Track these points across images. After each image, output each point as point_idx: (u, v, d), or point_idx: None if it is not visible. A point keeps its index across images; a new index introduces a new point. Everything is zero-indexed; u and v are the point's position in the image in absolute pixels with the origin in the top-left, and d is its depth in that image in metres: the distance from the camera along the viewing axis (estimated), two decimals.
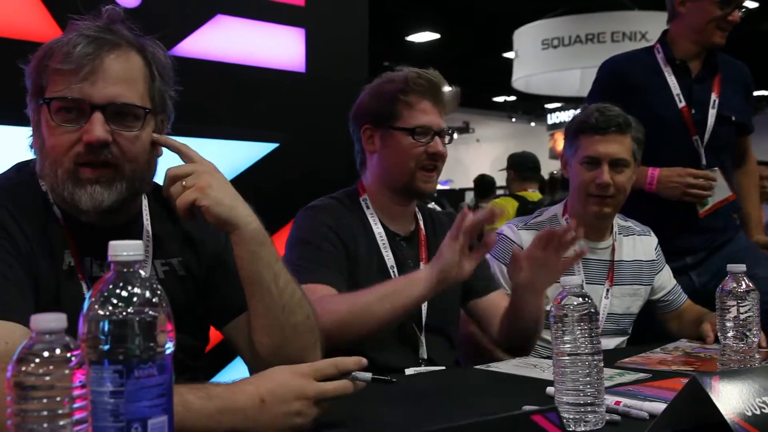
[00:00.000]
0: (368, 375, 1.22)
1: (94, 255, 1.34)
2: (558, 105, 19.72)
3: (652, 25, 10.80)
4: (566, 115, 19.58)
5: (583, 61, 11.42)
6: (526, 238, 2.28)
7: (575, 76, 12.48)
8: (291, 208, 2.76)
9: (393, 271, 1.96)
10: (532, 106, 20.95)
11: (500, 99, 20.46)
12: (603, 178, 2.18)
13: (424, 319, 1.94)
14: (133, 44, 1.35)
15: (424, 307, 1.95)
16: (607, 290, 2.29)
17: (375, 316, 1.72)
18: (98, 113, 1.28)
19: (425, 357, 1.90)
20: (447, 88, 1.99)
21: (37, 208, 1.32)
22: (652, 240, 2.46)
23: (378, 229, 2.00)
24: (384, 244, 1.98)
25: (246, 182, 2.71)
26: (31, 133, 1.39)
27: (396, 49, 14.68)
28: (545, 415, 0.87)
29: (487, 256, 2.33)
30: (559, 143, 20.27)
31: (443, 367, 1.88)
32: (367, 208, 2.03)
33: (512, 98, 19.01)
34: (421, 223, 2.10)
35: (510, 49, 12.38)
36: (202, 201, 1.31)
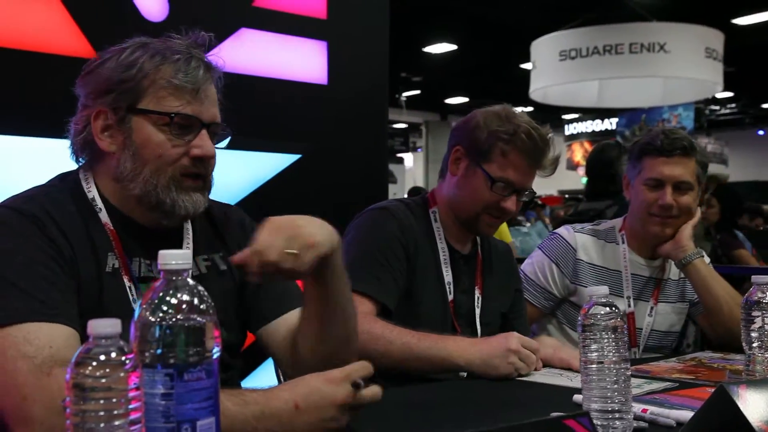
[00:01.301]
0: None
1: (144, 255, 1.39)
2: (575, 116, 19.71)
3: (670, 37, 10.81)
4: (584, 126, 19.56)
5: (600, 73, 11.44)
6: (581, 240, 2.33)
7: (593, 87, 12.49)
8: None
9: (449, 287, 1.99)
10: (549, 117, 20.90)
11: (517, 110, 20.47)
12: (666, 200, 2.19)
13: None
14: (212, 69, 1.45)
15: (478, 324, 2.01)
16: (652, 308, 2.31)
17: (393, 362, 1.74)
18: (205, 131, 1.38)
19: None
20: (551, 154, 1.96)
21: (81, 214, 1.36)
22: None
23: (442, 244, 2.02)
24: (445, 259, 2.00)
25: (269, 193, 2.76)
26: (81, 140, 1.41)
27: (414, 60, 14.76)
28: (578, 419, 0.89)
29: (538, 252, 2.38)
30: (576, 154, 20.21)
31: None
32: (435, 221, 2.04)
33: (529, 109, 19.01)
34: (479, 245, 2.13)
35: (527, 60, 12.40)
36: (321, 250, 1.28)
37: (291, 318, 1.53)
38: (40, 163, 2.12)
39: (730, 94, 17.99)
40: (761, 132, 21.26)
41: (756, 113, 20.17)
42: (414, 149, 23.43)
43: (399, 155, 21.38)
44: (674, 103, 15.08)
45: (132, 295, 1.35)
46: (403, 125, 20.92)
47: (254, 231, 1.57)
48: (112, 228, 1.38)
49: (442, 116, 21.19)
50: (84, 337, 1.14)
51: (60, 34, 2.26)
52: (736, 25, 12.30)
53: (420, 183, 18.62)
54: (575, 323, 2.28)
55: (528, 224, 9.53)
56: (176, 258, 0.83)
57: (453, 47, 14.37)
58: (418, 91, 18.26)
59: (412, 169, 23.42)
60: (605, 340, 1.21)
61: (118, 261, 1.36)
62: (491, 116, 1.96)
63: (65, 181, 1.43)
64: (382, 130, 3.49)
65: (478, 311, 2.03)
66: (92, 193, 1.40)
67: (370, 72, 3.17)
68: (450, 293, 1.99)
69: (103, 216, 1.38)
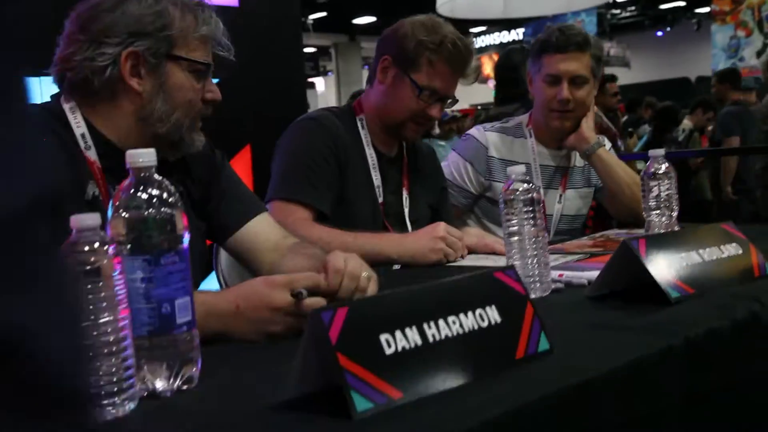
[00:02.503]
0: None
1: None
2: (483, 29, 19.83)
3: None
4: (491, 39, 19.73)
5: None
6: (491, 138, 2.48)
7: None
8: (238, 140, 2.89)
9: (379, 190, 2.11)
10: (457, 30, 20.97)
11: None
12: (563, 95, 2.33)
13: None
14: None
15: (408, 222, 2.15)
16: (560, 195, 2.50)
17: None
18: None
19: None
20: (474, 62, 2.09)
21: (65, 145, 1.39)
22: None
23: (370, 150, 2.12)
24: (374, 164, 2.11)
25: None
26: (105, 78, 1.41)
27: None
28: (505, 272, 1.03)
29: (453, 153, 2.53)
30: (486, 67, 20.39)
31: None
32: (362, 128, 2.14)
33: None
34: (404, 148, 2.24)
35: None
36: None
37: (256, 225, 1.66)
38: None
39: None
40: (660, 33, 21.90)
41: (654, 14, 20.74)
42: (324, 73, 23.19)
43: (310, 80, 21.13)
44: (578, 8, 15.36)
45: None
46: (311, 49, 20.62)
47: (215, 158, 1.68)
48: (95, 159, 1.42)
49: (351, 37, 20.96)
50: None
51: None
52: None
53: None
54: (492, 216, 2.48)
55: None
56: (143, 156, 0.92)
57: None
58: (324, 13, 17.97)
59: (324, 93, 23.23)
60: (524, 213, 1.36)
61: (100, 189, 1.41)
62: (418, 26, 2.07)
63: (52, 112, 1.43)
64: (298, 49, 3.53)
65: (406, 210, 2.17)
66: (81, 129, 1.42)
67: None
68: (380, 196, 2.11)
69: (92, 153, 1.42)
